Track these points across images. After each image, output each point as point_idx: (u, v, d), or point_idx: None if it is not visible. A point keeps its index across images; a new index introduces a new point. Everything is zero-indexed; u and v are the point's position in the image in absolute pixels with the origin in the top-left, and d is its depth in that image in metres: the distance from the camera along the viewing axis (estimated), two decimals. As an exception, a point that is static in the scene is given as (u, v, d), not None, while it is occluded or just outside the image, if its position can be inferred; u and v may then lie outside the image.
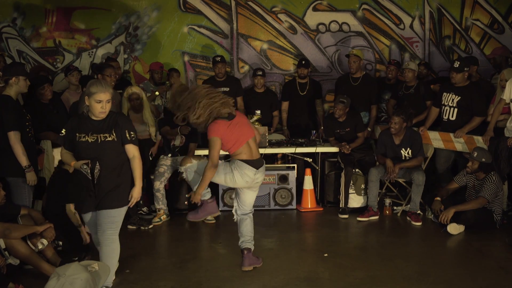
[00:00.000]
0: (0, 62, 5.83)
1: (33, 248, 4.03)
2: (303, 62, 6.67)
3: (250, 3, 7.23)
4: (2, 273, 3.75)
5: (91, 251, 4.43)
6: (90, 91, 3.52)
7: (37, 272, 3.99)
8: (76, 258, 4.21)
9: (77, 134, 3.56)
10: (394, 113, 5.63)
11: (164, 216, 5.61)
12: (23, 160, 4.27)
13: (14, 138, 4.23)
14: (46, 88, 5.13)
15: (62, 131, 3.64)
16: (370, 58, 7.41)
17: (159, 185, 5.60)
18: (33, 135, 4.52)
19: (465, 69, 5.58)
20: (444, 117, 5.78)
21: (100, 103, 3.52)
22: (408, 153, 5.66)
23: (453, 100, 5.66)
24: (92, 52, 7.12)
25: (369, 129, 6.40)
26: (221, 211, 5.90)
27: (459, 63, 5.61)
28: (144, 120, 5.58)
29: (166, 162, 5.71)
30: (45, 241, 4.08)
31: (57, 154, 4.96)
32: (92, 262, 3.27)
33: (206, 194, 4.20)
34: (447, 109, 5.74)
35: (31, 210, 4.36)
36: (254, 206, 5.82)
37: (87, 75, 6.52)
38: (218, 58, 6.51)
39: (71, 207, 4.60)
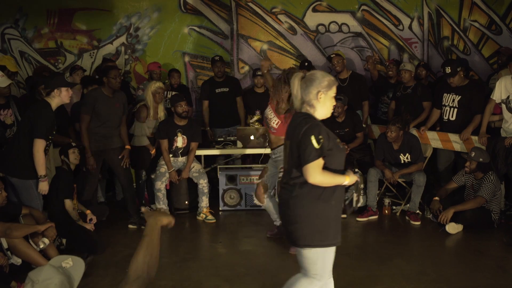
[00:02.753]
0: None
1: (35, 247, 4.06)
2: (306, 64, 6.66)
3: (250, 4, 7.26)
4: (4, 272, 3.78)
5: (96, 251, 4.48)
6: (324, 83, 2.79)
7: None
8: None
9: (338, 141, 2.82)
10: (390, 122, 5.64)
11: (165, 215, 5.64)
12: (41, 170, 4.30)
13: (39, 145, 4.26)
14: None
15: (320, 138, 2.64)
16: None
17: (160, 185, 5.63)
18: (48, 149, 4.52)
19: (458, 69, 5.60)
20: (444, 117, 5.80)
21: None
22: (407, 158, 5.68)
23: (453, 100, 5.68)
24: (93, 53, 7.15)
25: (364, 125, 6.36)
26: (221, 211, 5.96)
27: (449, 68, 5.59)
28: (157, 116, 5.82)
29: (167, 162, 5.76)
30: (46, 240, 4.11)
31: (55, 153, 4.99)
32: (66, 257, 3.19)
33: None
34: (447, 110, 5.75)
35: (32, 209, 4.37)
36: (253, 206, 5.92)
37: (88, 75, 6.54)
38: (217, 58, 6.54)
39: (69, 202, 4.65)
